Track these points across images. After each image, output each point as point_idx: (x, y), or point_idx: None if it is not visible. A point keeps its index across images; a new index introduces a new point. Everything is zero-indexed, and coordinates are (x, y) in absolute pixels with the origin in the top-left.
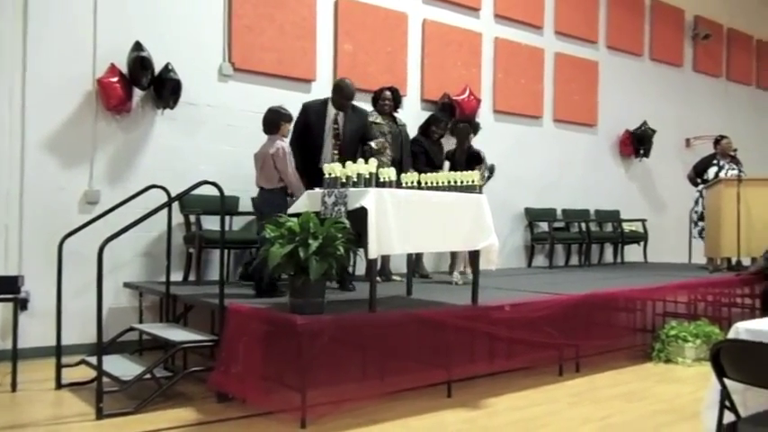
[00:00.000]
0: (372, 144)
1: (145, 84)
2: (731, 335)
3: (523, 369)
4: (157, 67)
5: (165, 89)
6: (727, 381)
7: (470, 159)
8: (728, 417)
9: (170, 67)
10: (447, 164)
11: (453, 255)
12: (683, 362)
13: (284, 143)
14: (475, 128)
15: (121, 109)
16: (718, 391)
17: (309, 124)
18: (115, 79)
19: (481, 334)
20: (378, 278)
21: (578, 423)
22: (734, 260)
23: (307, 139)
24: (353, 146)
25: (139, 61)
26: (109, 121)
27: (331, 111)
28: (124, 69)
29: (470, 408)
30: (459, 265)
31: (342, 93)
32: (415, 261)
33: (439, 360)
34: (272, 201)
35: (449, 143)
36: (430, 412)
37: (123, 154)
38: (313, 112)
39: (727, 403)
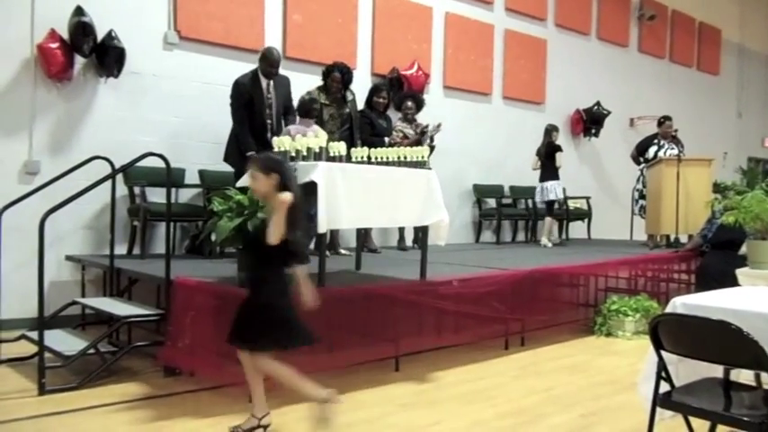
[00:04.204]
0: None
1: (87, 51)
2: (668, 309)
3: (470, 343)
4: (100, 34)
5: (108, 57)
6: (663, 353)
7: (550, 152)
8: (664, 387)
9: (113, 35)
10: (535, 158)
11: (544, 222)
12: (623, 335)
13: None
14: (419, 103)
15: (63, 77)
16: (654, 362)
17: (252, 99)
18: (56, 45)
19: (429, 309)
20: (326, 252)
21: (523, 395)
22: (672, 237)
23: (252, 115)
24: (280, 115)
25: (81, 27)
26: (49, 89)
27: (263, 81)
28: (65, 35)
29: (418, 381)
30: (549, 232)
31: (269, 60)
32: (364, 236)
33: (387, 334)
34: None
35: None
36: (378, 386)
37: (65, 123)
38: (250, 87)
39: (663, 374)
